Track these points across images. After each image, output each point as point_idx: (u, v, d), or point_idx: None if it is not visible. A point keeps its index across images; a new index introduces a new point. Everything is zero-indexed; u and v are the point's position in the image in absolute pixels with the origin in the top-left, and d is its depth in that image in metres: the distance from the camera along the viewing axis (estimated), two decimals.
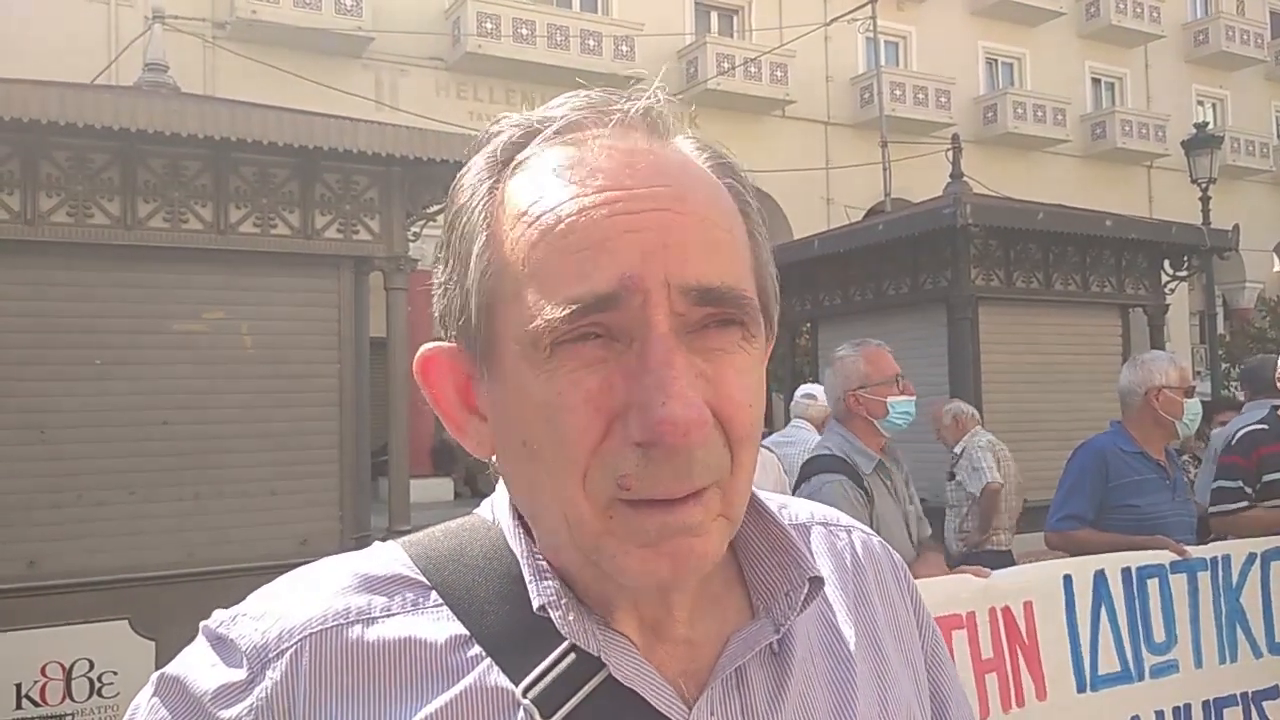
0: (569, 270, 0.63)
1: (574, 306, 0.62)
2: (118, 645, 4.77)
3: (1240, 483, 4.06)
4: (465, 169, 0.72)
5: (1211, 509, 4.15)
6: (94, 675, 4.72)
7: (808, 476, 3.45)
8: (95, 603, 4.86)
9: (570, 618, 0.68)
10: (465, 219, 0.70)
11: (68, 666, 4.68)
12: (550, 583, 0.69)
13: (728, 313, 0.65)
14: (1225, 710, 3.39)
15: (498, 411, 0.69)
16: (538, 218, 0.65)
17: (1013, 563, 5.73)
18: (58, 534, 4.97)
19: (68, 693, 4.67)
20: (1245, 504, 4.04)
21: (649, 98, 0.70)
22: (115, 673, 4.74)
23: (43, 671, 4.63)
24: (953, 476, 6.18)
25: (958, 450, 6.16)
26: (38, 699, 4.61)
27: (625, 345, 0.63)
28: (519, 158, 0.69)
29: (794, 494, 3.31)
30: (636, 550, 0.64)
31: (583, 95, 0.70)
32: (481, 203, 0.69)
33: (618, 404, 0.62)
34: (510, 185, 0.68)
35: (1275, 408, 4.36)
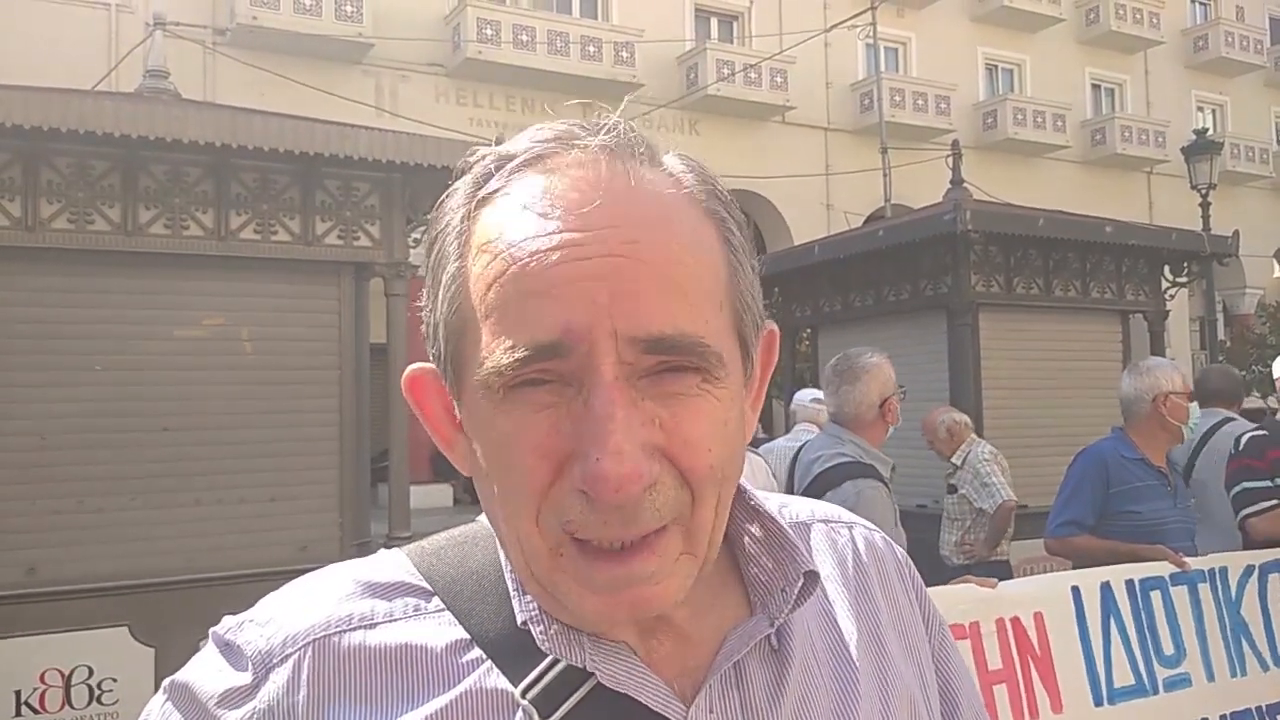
0: (517, 316, 0.63)
1: (520, 354, 0.62)
2: (117, 652, 4.76)
3: (1269, 481, 3.94)
4: (447, 193, 0.72)
5: (1246, 511, 3.96)
6: (93, 682, 4.71)
7: (837, 482, 3.41)
8: (94, 609, 4.85)
9: (552, 631, 0.68)
10: (440, 245, 0.70)
11: (67, 673, 4.67)
12: (531, 598, 0.70)
13: (681, 360, 0.64)
14: None
15: (471, 435, 0.69)
16: (495, 256, 0.65)
17: (1011, 571, 5.71)
18: (57, 540, 4.96)
19: (67, 700, 4.66)
20: (1276, 502, 3.90)
21: (610, 129, 0.69)
22: (114, 680, 4.73)
23: (42, 678, 4.63)
24: (954, 489, 6.09)
25: (957, 462, 6.06)
26: (37, 706, 4.60)
27: (575, 390, 0.63)
28: (487, 190, 0.68)
29: (823, 501, 3.27)
30: (591, 595, 0.64)
31: (549, 127, 0.70)
32: (455, 231, 0.69)
33: (566, 448, 0.62)
34: (478, 218, 0.68)
35: (1274, 413, 4.36)
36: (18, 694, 4.58)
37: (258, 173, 5.52)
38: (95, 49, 16.87)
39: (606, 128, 0.69)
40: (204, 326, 5.36)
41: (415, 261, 6.35)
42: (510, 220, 0.65)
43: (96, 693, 4.71)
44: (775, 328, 0.78)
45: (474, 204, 0.69)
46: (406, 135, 6.03)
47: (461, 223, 0.69)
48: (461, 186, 0.70)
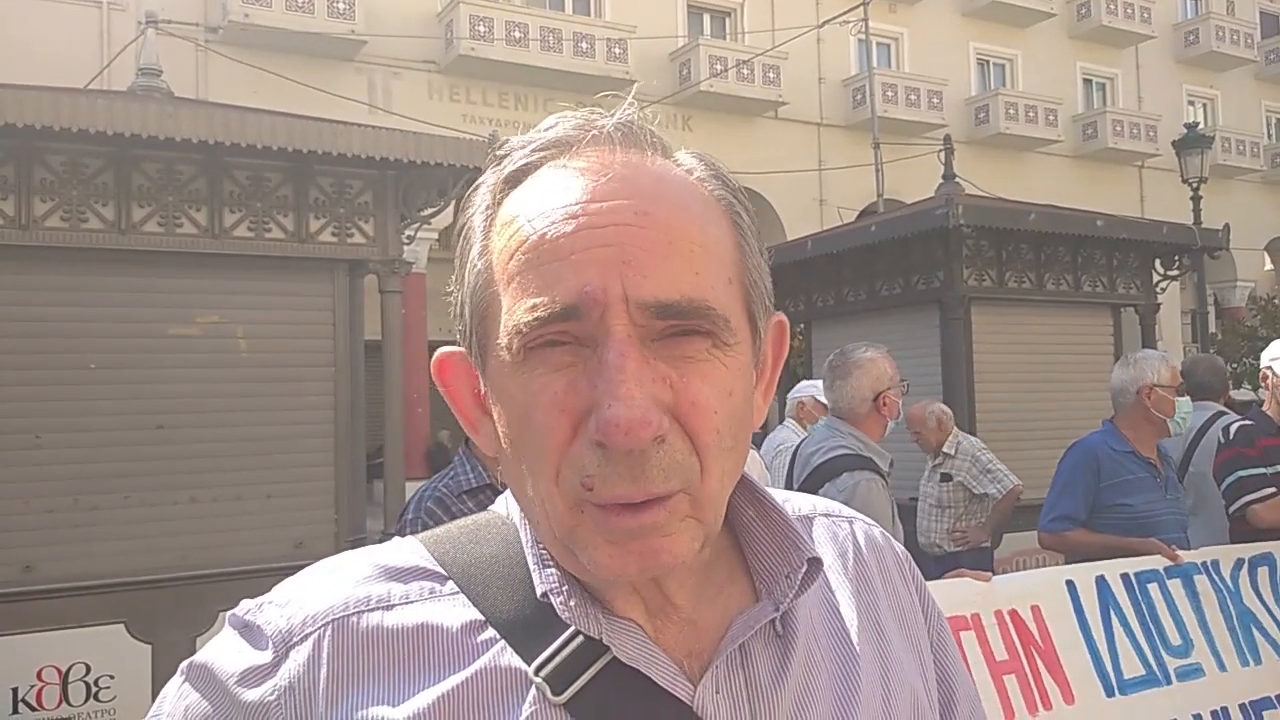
0: (537, 280, 0.67)
1: (540, 313, 0.66)
2: (114, 649, 4.77)
3: (1263, 470, 3.95)
4: (476, 183, 0.76)
5: (1248, 498, 3.96)
6: (90, 679, 4.72)
7: (834, 475, 3.44)
8: (91, 607, 4.85)
9: (571, 603, 0.71)
10: (468, 228, 0.75)
11: (64, 671, 4.68)
12: (552, 570, 0.73)
13: (689, 324, 0.67)
14: (1265, 712, 3.34)
15: (494, 404, 0.73)
16: (517, 230, 0.70)
17: (992, 558, 5.79)
18: (53, 538, 4.96)
19: (64, 697, 4.67)
20: (1274, 490, 3.91)
21: (621, 113, 0.74)
22: (112, 676, 4.74)
23: (39, 676, 4.63)
24: (948, 478, 6.18)
25: (949, 451, 6.18)
26: (34, 703, 4.61)
27: (591, 351, 0.66)
28: (510, 174, 0.74)
29: (819, 493, 3.28)
30: (605, 546, 0.67)
31: (569, 114, 0.75)
32: (482, 213, 0.74)
33: (582, 406, 0.66)
34: (502, 200, 0.73)
35: (1261, 404, 4.38)
36: (15, 691, 4.58)
37: (251, 170, 5.52)
38: (88, 47, 16.82)
39: (622, 116, 0.74)
40: (198, 324, 5.36)
41: (409, 258, 6.35)
42: (531, 197, 0.71)
43: (94, 690, 4.72)
44: (784, 318, 0.81)
45: (499, 187, 0.74)
46: (399, 132, 6.03)
47: (488, 206, 0.74)
48: (489, 174, 0.75)
